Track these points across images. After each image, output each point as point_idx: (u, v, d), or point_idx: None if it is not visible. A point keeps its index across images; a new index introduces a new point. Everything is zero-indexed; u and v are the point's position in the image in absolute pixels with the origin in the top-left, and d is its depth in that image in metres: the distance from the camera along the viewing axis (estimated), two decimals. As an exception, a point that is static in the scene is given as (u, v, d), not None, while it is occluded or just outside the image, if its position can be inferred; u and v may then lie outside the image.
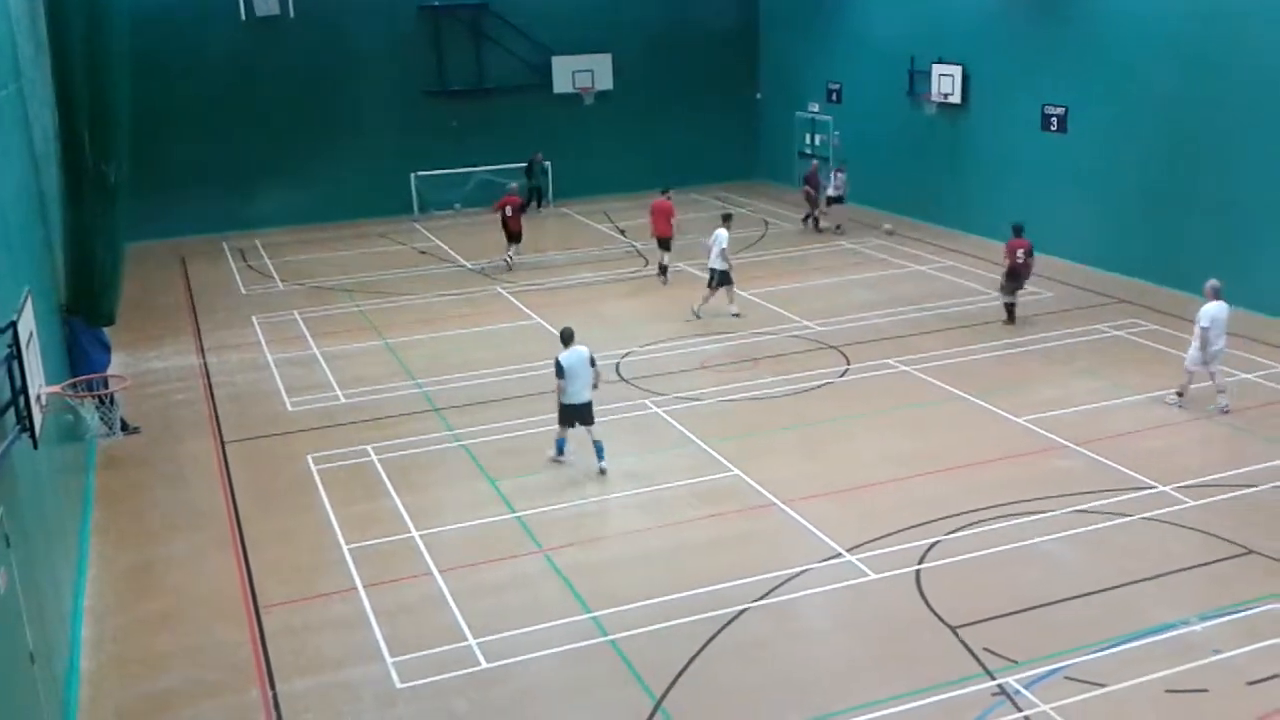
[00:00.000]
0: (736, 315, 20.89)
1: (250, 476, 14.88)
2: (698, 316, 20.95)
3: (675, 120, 34.30)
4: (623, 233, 29.18)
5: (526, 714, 9.73)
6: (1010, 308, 19.89)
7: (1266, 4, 19.31)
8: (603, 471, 14.35)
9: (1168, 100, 21.37)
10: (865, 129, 30.60)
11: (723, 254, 20.65)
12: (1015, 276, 19.77)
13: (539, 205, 31.68)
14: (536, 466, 14.76)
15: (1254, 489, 13.27)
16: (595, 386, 14.52)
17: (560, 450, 14.78)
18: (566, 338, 14.44)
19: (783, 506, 13.30)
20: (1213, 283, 15.53)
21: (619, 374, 18.21)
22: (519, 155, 31.66)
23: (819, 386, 17.38)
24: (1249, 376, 16.97)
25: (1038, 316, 20.43)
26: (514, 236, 25.61)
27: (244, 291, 24.90)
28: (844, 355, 18.71)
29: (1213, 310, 15.28)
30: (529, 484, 14.20)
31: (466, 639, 10.75)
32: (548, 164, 32.11)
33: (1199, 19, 20.53)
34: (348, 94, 31.15)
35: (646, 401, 16.89)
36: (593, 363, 14.40)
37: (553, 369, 14.30)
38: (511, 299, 23.15)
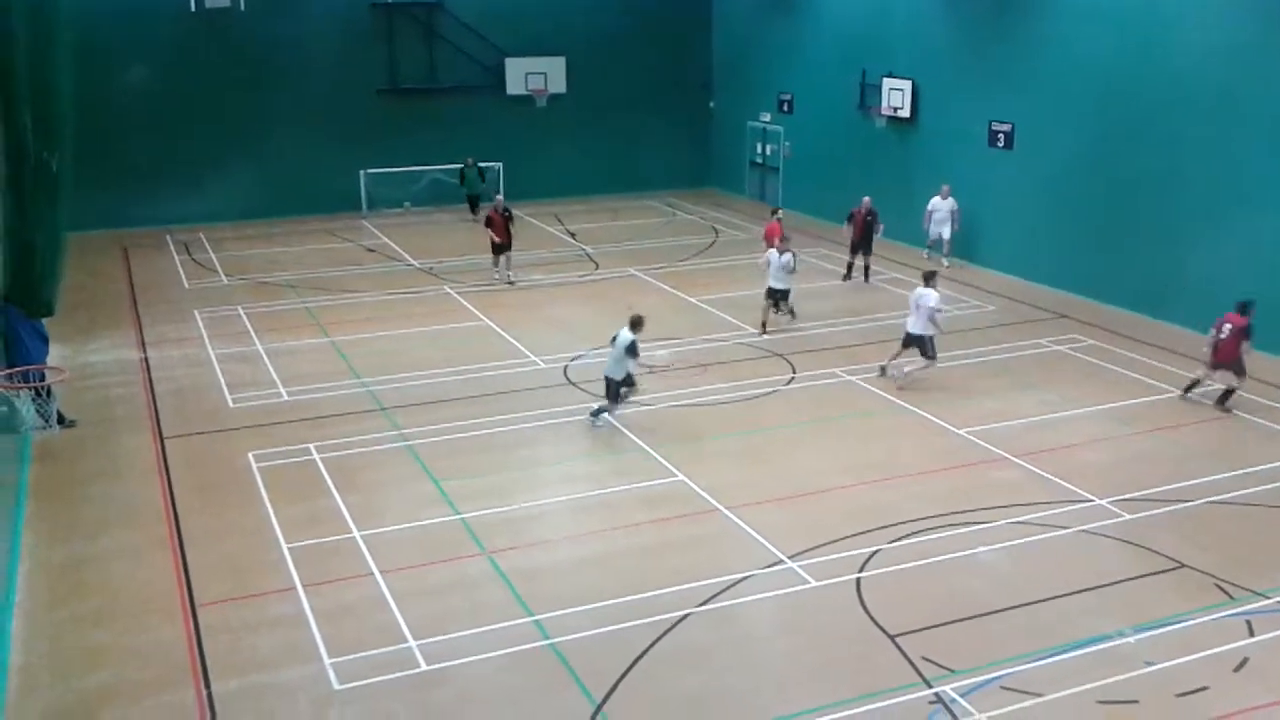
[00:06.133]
0: None
1: (189, 473, 14.66)
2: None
3: (628, 125, 34.37)
4: (573, 236, 29.16)
5: (465, 718, 9.67)
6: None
7: (1206, 34, 19.75)
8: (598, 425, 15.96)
9: (1111, 120, 21.77)
10: (815, 140, 30.86)
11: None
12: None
13: (477, 213, 31.28)
14: (482, 468, 14.70)
15: (1187, 504, 13.54)
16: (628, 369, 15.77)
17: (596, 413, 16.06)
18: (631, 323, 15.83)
19: (727, 512, 13.36)
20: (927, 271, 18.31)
21: (567, 377, 18.19)
22: (472, 154, 31.48)
23: (766, 394, 17.48)
24: (1181, 390, 17.33)
25: (980, 330, 20.71)
26: (497, 248, 24.30)
27: (187, 285, 24.55)
28: (790, 364, 18.84)
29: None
30: (474, 486, 14.13)
31: (406, 641, 10.66)
32: (496, 166, 31.96)
33: (1143, 44, 20.95)
34: (298, 89, 30.86)
35: (594, 405, 16.85)
36: (627, 350, 15.49)
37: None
38: (460, 299, 23.03)
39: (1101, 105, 21.97)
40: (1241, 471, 14.42)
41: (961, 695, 9.77)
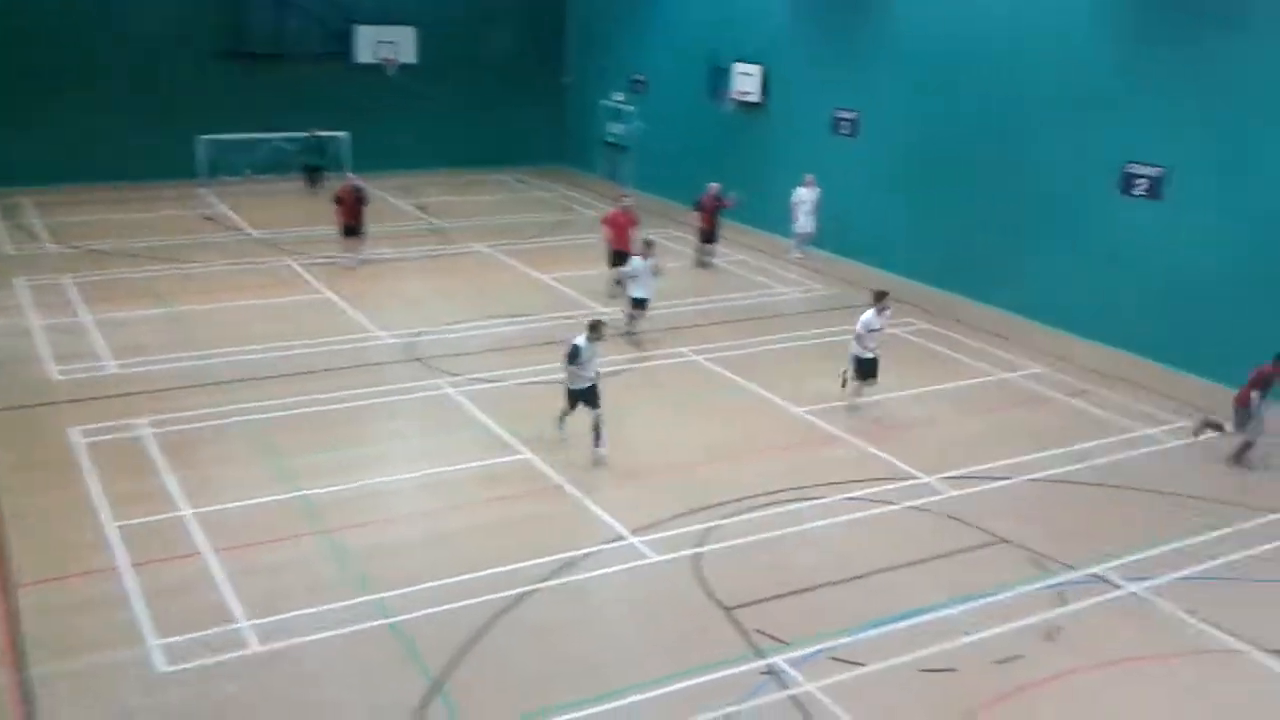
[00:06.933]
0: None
1: (7, 448, 13.95)
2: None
3: (481, 99, 34.00)
4: (422, 209, 28.73)
5: (300, 697, 9.51)
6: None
7: (1043, 26, 20.61)
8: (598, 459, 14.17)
9: (953, 116, 22.55)
10: (667, 121, 31.08)
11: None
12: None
13: (314, 185, 30.28)
14: (322, 445, 14.42)
15: (1009, 481, 14.25)
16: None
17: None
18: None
19: (570, 489, 13.44)
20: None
21: (413, 354, 17.96)
22: (317, 123, 30.65)
23: (614, 373, 17.56)
24: (1010, 376, 18.19)
25: (820, 313, 21.28)
26: (347, 229, 22.82)
27: (10, 251, 23.29)
28: (638, 343, 19.00)
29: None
30: (314, 463, 13.85)
31: (239, 621, 10.42)
32: (343, 136, 31.18)
33: (983, 35, 21.74)
34: (133, 49, 29.52)
35: (440, 382, 16.73)
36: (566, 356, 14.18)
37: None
38: (303, 272, 22.47)
39: (940, 95, 22.73)
40: (1060, 451, 15.22)
41: (792, 666, 10.09)
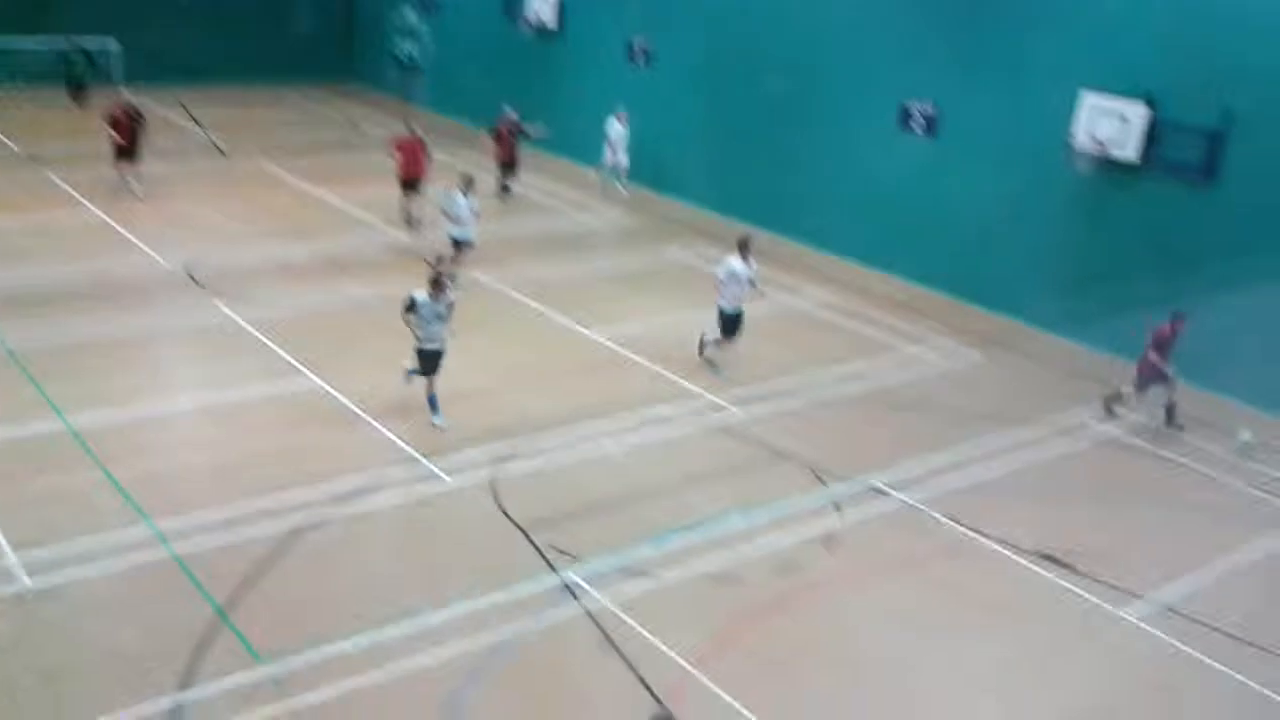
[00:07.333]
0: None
1: None
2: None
3: (263, 9, 32.29)
4: (199, 124, 27.25)
5: (76, 632, 9.11)
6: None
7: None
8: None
9: (745, 49, 22.88)
10: (461, 42, 30.37)
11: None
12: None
13: (79, 99, 28.10)
14: (93, 372, 13.67)
15: (795, 401, 14.89)
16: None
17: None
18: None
19: (362, 414, 13.24)
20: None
21: (192, 277, 17.17)
22: (84, 29, 28.44)
23: (405, 297, 17.30)
24: (798, 302, 18.88)
25: (621, 242, 21.49)
26: (122, 152, 20.96)
27: None
28: (432, 267, 18.70)
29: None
30: (87, 391, 13.12)
31: (5, 556, 9.87)
32: (109, 45, 29.06)
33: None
34: None
35: (223, 306, 16.08)
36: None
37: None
38: (71, 191, 21.02)
39: (732, 27, 23.04)
40: (841, 372, 16.00)
41: (585, 581, 10.34)
